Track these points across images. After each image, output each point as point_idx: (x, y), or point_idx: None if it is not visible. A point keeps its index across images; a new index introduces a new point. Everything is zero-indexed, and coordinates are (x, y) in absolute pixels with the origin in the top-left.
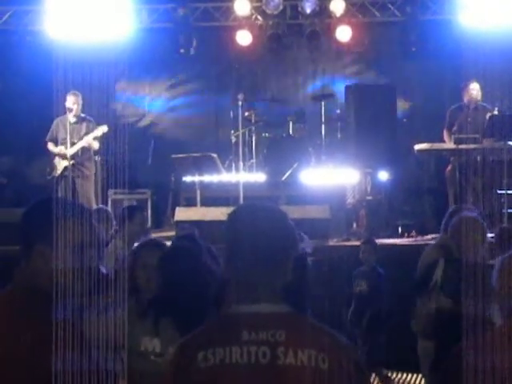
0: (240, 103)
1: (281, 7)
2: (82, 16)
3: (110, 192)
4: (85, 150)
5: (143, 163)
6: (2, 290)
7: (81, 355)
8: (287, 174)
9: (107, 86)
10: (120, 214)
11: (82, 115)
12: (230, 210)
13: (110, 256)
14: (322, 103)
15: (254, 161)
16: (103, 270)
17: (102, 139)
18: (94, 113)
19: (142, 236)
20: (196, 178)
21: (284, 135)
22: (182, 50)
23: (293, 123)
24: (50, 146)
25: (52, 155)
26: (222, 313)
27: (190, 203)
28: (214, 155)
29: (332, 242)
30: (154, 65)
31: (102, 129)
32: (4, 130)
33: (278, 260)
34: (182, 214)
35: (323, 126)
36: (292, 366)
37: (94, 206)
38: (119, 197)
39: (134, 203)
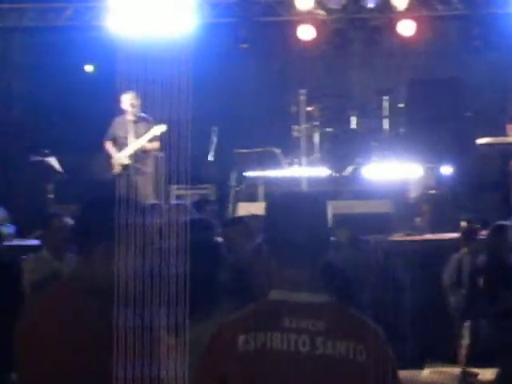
0: (302, 98)
1: (343, 2)
2: (144, 11)
3: (173, 188)
4: (144, 147)
5: (206, 158)
6: (55, 287)
7: (142, 361)
8: (350, 168)
9: (169, 83)
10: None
11: (141, 114)
12: None
13: None
14: (385, 98)
15: (316, 156)
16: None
17: (163, 136)
18: (156, 110)
19: None
20: (258, 173)
21: (347, 130)
22: (244, 45)
23: (355, 118)
24: (108, 147)
25: (110, 154)
26: (263, 298)
27: (253, 198)
28: (277, 150)
29: (394, 237)
30: (215, 60)
31: (160, 128)
32: (67, 126)
33: (318, 249)
34: (244, 209)
35: (386, 121)
36: (330, 356)
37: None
38: (182, 192)
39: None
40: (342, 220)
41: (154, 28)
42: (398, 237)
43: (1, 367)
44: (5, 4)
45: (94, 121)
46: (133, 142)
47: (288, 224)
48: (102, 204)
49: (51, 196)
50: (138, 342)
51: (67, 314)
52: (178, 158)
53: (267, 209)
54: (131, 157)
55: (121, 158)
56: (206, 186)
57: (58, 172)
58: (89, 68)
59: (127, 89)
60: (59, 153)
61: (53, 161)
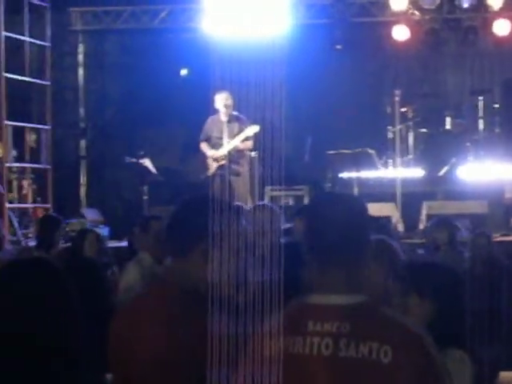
0: (397, 99)
1: (438, 2)
2: (238, 13)
3: (267, 189)
4: (239, 148)
5: (300, 159)
6: (150, 288)
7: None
8: (445, 169)
9: (264, 84)
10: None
11: (234, 113)
12: (388, 205)
13: None
14: (480, 98)
15: (411, 156)
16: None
17: (256, 136)
18: (250, 111)
19: None
20: (353, 174)
21: (441, 130)
22: (338, 46)
23: (450, 118)
24: (203, 147)
25: (205, 154)
26: (295, 302)
27: None
28: (371, 151)
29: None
30: (310, 61)
31: (253, 129)
32: (160, 127)
33: (355, 251)
34: None
35: (481, 121)
36: (352, 358)
37: (249, 204)
38: (276, 193)
39: (291, 201)
40: (437, 221)
41: (248, 29)
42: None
43: (96, 368)
44: (100, 7)
45: (188, 122)
46: (227, 141)
47: (322, 225)
48: (196, 205)
49: (146, 198)
50: (233, 348)
51: (161, 316)
52: (272, 159)
53: (307, 210)
54: (226, 157)
55: (216, 157)
56: (300, 187)
57: (153, 174)
58: (183, 70)
59: (221, 90)
60: (154, 154)
61: (147, 162)
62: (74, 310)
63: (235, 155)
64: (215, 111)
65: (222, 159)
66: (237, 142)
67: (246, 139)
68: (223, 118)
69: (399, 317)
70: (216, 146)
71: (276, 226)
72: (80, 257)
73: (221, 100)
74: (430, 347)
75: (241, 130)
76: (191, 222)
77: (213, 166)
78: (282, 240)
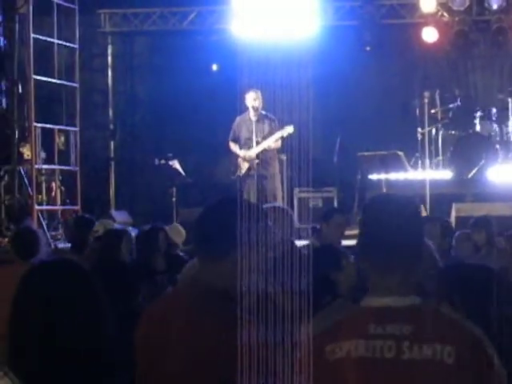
0: (426, 100)
1: (467, 3)
2: (267, 14)
3: (296, 190)
4: (269, 148)
5: (329, 161)
6: (176, 290)
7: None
8: (474, 171)
9: (292, 85)
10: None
11: (263, 113)
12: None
13: None
14: (510, 99)
15: (440, 158)
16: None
17: (287, 138)
18: (278, 113)
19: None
20: (382, 176)
21: (471, 132)
22: (367, 48)
23: (480, 120)
24: (233, 147)
25: (235, 155)
26: (353, 305)
27: None
28: (401, 153)
29: None
30: (339, 63)
31: (288, 129)
32: (189, 129)
33: (411, 252)
34: None
35: (511, 123)
36: (416, 361)
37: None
38: (304, 195)
39: (320, 203)
40: (475, 221)
41: (277, 31)
42: None
43: (122, 368)
44: (129, 9)
45: (217, 123)
46: (256, 141)
47: (380, 227)
48: (224, 207)
49: (174, 199)
50: (262, 354)
51: (191, 317)
52: (300, 161)
53: (362, 212)
54: (258, 157)
55: (247, 158)
56: (329, 188)
57: (182, 175)
58: (212, 71)
59: (249, 89)
60: (182, 156)
61: (176, 164)
62: (102, 312)
63: (266, 155)
64: (244, 110)
65: (254, 159)
66: (270, 143)
67: (278, 140)
68: (252, 117)
69: (458, 317)
70: (245, 145)
71: (289, 228)
72: (111, 259)
73: (250, 99)
74: (489, 347)
75: (271, 130)
76: (228, 225)
77: (244, 167)
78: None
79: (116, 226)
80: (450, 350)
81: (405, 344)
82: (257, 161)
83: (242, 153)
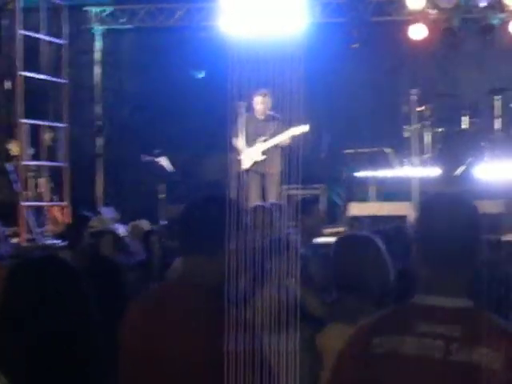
0: (414, 98)
1: (455, 0)
2: (254, 11)
3: (284, 187)
4: (273, 146)
5: (317, 158)
6: (162, 287)
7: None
8: (461, 168)
9: (280, 83)
10: (296, 207)
11: (271, 113)
12: (404, 205)
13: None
14: (497, 97)
15: (427, 155)
16: None
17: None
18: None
19: (319, 229)
20: (369, 173)
21: (458, 130)
22: (355, 45)
23: (467, 118)
24: (236, 142)
25: (238, 150)
26: (402, 302)
27: (364, 198)
28: (388, 150)
29: (506, 238)
30: (326, 60)
31: (303, 128)
32: (177, 125)
33: (466, 253)
34: (355, 209)
35: (498, 121)
36: (463, 363)
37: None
38: (293, 192)
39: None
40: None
41: (264, 28)
42: (510, 237)
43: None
44: (117, 5)
45: (205, 120)
46: (264, 139)
47: (437, 226)
48: (209, 204)
49: (162, 196)
50: (252, 352)
51: (175, 314)
52: (289, 158)
53: (419, 209)
54: (262, 154)
55: (252, 154)
56: (316, 186)
57: (170, 172)
58: (200, 68)
59: (238, 88)
60: (171, 152)
61: (164, 161)
62: (88, 310)
63: (271, 153)
64: (250, 109)
65: (259, 156)
66: (280, 139)
67: (288, 138)
68: (259, 116)
69: (505, 324)
70: (250, 143)
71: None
72: (100, 256)
73: (257, 102)
74: None
75: (277, 129)
76: (215, 222)
77: (247, 163)
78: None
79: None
80: (497, 356)
81: (454, 345)
82: (262, 157)
83: (244, 150)
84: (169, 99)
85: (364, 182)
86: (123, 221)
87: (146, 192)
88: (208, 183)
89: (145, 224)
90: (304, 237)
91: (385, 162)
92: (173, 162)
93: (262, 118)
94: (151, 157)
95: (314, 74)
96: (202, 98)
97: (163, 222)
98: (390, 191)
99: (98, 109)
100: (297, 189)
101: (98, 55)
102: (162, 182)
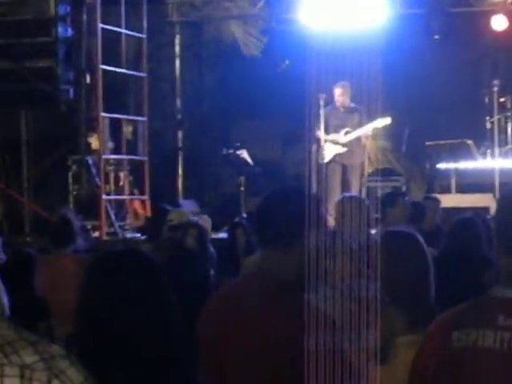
0: (495, 89)
1: None
2: (335, 3)
3: (365, 179)
4: (356, 138)
5: (398, 150)
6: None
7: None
8: None
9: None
10: (382, 200)
11: (353, 105)
12: (485, 196)
13: None
14: None
15: (509, 146)
16: None
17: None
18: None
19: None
20: (451, 165)
21: None
22: (435, 37)
23: None
24: (320, 134)
25: (320, 142)
26: (484, 294)
27: (445, 190)
28: (469, 142)
29: None
30: (407, 52)
31: (385, 120)
32: (257, 118)
33: None
34: None
35: None
36: None
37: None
38: (373, 184)
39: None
40: None
41: (344, 20)
42: None
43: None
44: None
45: (286, 113)
46: (346, 131)
47: None
48: (288, 197)
49: (242, 189)
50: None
51: (255, 309)
52: (370, 150)
53: (499, 200)
54: (344, 146)
55: (333, 146)
56: (397, 177)
57: (250, 165)
58: (281, 61)
59: (318, 81)
60: (250, 146)
61: (244, 154)
62: (168, 303)
63: (353, 145)
64: (331, 101)
65: (340, 149)
66: (364, 131)
67: (371, 130)
68: (341, 108)
69: None
70: (331, 135)
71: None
72: (182, 249)
73: (337, 94)
74: None
75: (360, 121)
76: (293, 214)
77: (329, 154)
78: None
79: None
80: None
81: None
82: (343, 149)
83: (328, 141)
84: (248, 92)
85: (445, 173)
86: (203, 214)
87: (225, 185)
88: (288, 176)
89: (205, 219)
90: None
91: (466, 154)
92: (253, 155)
93: (343, 110)
94: (231, 149)
95: (395, 66)
96: (282, 90)
97: (243, 215)
98: (472, 183)
99: (178, 102)
100: (377, 181)
101: (178, 48)
102: (242, 174)
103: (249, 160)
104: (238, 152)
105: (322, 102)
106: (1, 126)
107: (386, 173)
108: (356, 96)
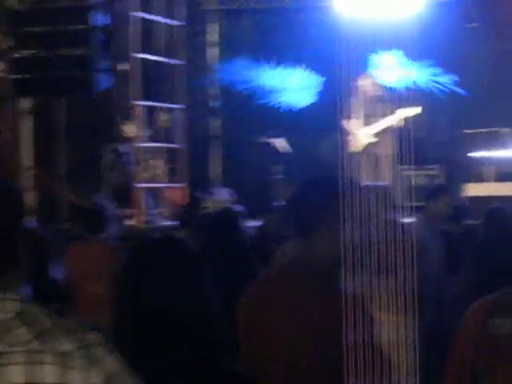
0: None
1: None
2: None
3: (399, 168)
4: (386, 127)
5: (433, 139)
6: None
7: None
8: None
9: (399, 64)
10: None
11: (380, 93)
12: None
13: None
14: None
15: None
16: None
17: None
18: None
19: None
20: (488, 154)
21: None
22: (473, 24)
23: None
24: (349, 124)
25: (350, 131)
26: None
27: (481, 179)
28: (506, 130)
29: None
30: (445, 39)
31: (415, 110)
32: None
33: None
34: (473, 190)
35: None
36: None
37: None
38: (407, 173)
39: (423, 181)
40: None
41: (381, 8)
42: None
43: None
44: None
45: (323, 101)
46: (374, 120)
47: None
48: (320, 185)
49: (280, 177)
50: (365, 326)
51: (292, 294)
52: (403, 139)
53: None
54: (375, 135)
55: (364, 135)
56: (433, 166)
57: (286, 153)
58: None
59: (350, 70)
60: (288, 133)
61: (281, 142)
62: (208, 290)
63: (382, 135)
64: (351, 90)
65: (370, 138)
66: (393, 121)
67: (402, 119)
68: (369, 97)
69: None
70: (361, 124)
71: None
72: (217, 236)
73: (363, 83)
74: None
75: (391, 109)
76: (328, 203)
77: (359, 144)
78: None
79: (225, 203)
80: None
81: None
82: (374, 139)
83: (356, 131)
84: None
85: (482, 162)
86: (239, 202)
87: (262, 173)
88: (323, 164)
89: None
90: (430, 222)
91: (503, 143)
92: (289, 143)
93: (373, 99)
94: (268, 138)
95: (432, 53)
96: (319, 80)
97: (279, 203)
98: (509, 172)
99: (215, 89)
100: (411, 169)
101: (214, 36)
102: (279, 163)
103: (286, 148)
104: (275, 140)
105: (354, 91)
106: (37, 113)
107: (421, 161)
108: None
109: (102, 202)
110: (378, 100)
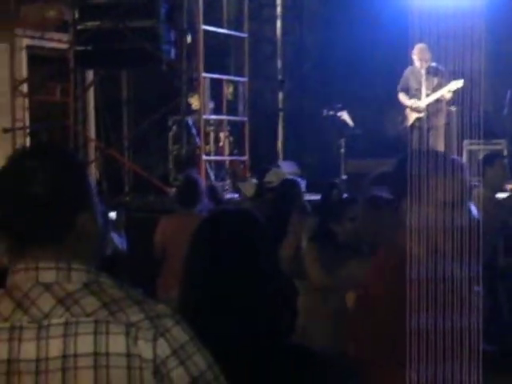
0: None
1: None
2: None
3: (466, 143)
4: (437, 100)
5: (499, 113)
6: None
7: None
8: None
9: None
10: (481, 161)
11: (433, 65)
12: None
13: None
14: None
15: None
16: None
17: (458, 90)
18: (448, 64)
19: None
20: None
21: None
22: None
23: None
24: (402, 97)
25: (404, 105)
26: None
27: None
28: None
29: None
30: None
31: (457, 83)
32: (357, 80)
33: None
34: None
35: None
36: None
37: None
38: (474, 147)
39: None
40: None
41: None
42: None
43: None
44: None
45: (386, 74)
46: (425, 93)
47: None
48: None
49: (343, 151)
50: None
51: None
52: (471, 113)
53: None
54: (425, 109)
55: (416, 109)
56: (499, 141)
57: (350, 126)
58: (377, 22)
59: (419, 41)
60: (351, 107)
61: (345, 115)
62: (274, 258)
63: (434, 108)
64: (412, 62)
65: (422, 111)
66: (438, 95)
67: (449, 92)
68: (422, 69)
69: None
70: (414, 96)
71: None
72: (280, 209)
73: (419, 52)
74: None
75: (440, 83)
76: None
77: (412, 117)
78: None
79: (288, 176)
80: None
81: None
82: (425, 112)
83: (410, 103)
84: (350, 53)
85: None
86: (303, 175)
87: (325, 146)
88: (387, 137)
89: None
90: (487, 191)
91: None
92: (353, 117)
93: (425, 71)
94: (332, 111)
95: (497, 27)
96: (383, 51)
97: (343, 177)
98: None
99: (279, 63)
100: (478, 144)
101: (279, 9)
102: (342, 136)
103: (349, 122)
104: (339, 113)
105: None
106: (102, 85)
107: (487, 135)
108: (457, 57)
109: (195, 176)
110: (428, 72)
